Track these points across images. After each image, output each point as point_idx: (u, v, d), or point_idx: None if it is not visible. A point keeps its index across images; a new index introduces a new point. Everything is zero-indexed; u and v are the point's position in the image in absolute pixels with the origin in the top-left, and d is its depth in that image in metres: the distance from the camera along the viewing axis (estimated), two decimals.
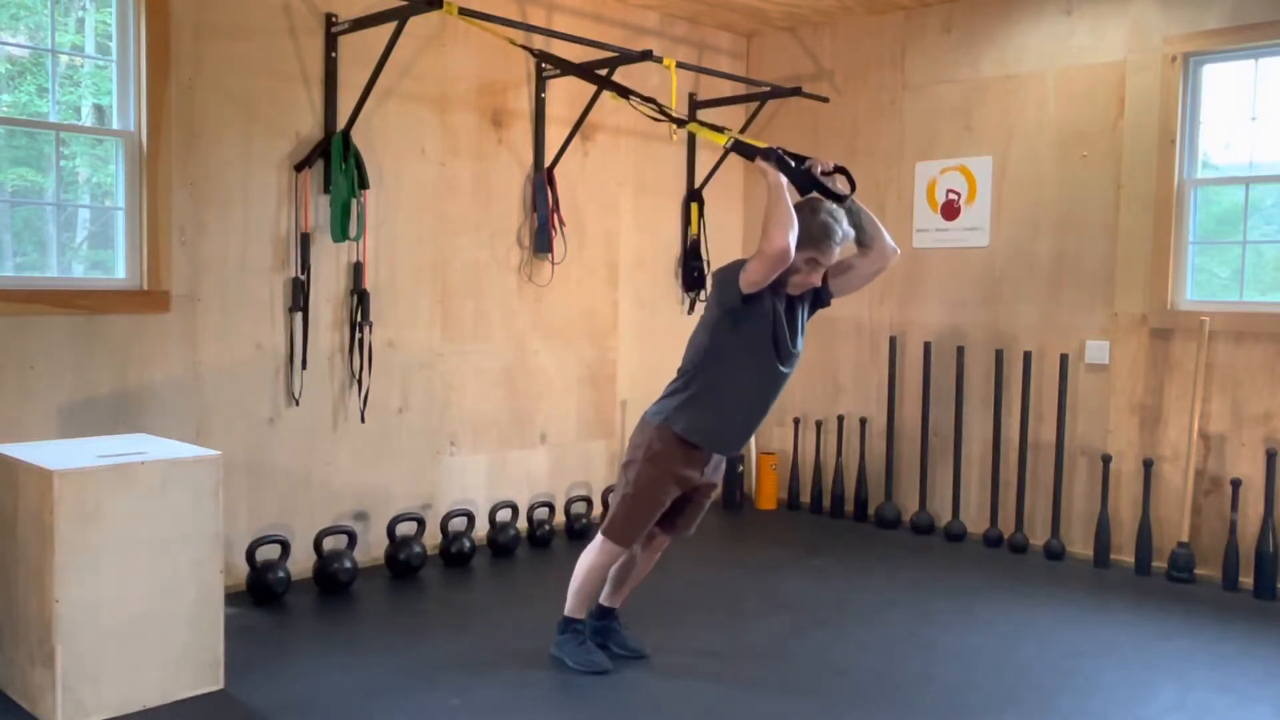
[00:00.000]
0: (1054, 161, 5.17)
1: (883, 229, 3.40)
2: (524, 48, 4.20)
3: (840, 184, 3.36)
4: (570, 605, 3.56)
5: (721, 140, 3.49)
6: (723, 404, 3.33)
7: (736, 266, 3.24)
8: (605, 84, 4.15)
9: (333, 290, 4.49)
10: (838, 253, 3.29)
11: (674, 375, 3.44)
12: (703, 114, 5.93)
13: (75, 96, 4.03)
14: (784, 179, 3.21)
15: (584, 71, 4.21)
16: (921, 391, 5.60)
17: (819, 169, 3.31)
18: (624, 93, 3.86)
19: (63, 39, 3.94)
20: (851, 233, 3.29)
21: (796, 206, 3.21)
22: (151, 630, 3.15)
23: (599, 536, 3.48)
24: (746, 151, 3.39)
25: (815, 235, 3.20)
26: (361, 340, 4.54)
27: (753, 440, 6.26)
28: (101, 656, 3.06)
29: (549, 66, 5.11)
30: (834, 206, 3.26)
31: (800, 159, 3.31)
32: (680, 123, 3.74)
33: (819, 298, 3.43)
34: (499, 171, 5.09)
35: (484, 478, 5.13)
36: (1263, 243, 4.72)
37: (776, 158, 3.24)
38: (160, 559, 3.16)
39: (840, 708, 3.28)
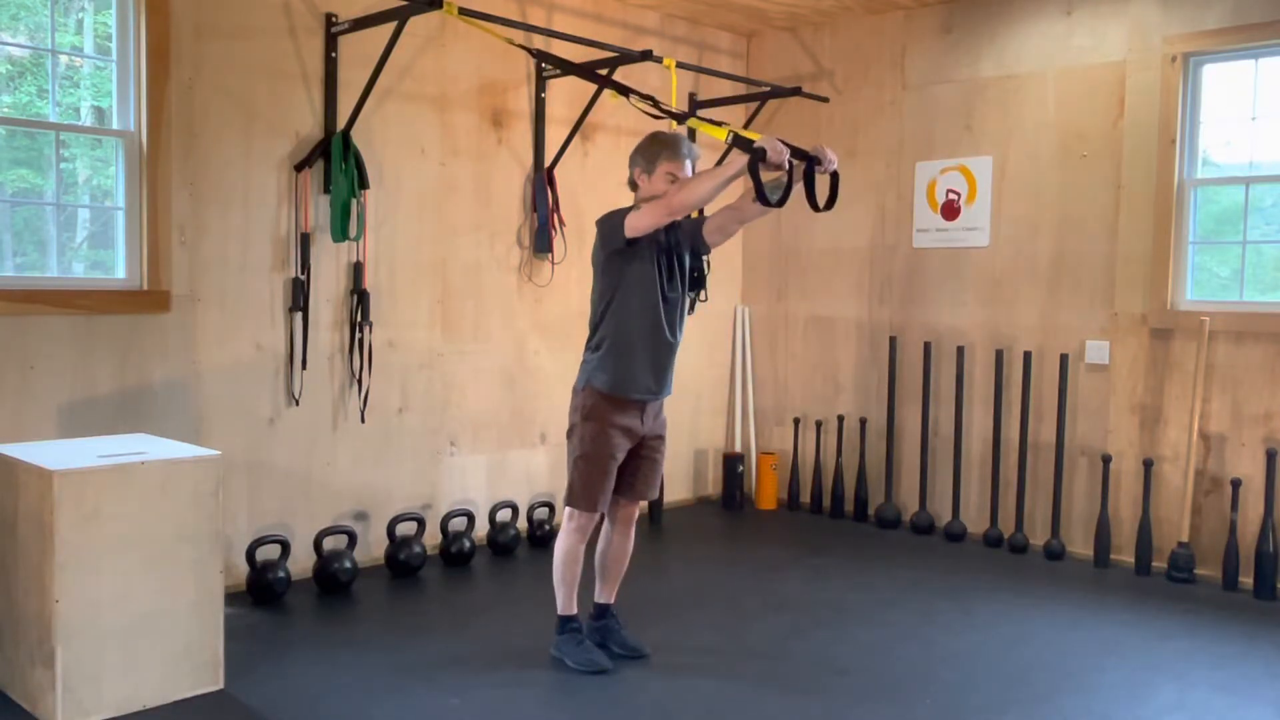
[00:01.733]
0: (1054, 161, 5.17)
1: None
2: (523, 47, 4.19)
3: (821, 187, 3.31)
4: (560, 601, 3.58)
5: (721, 135, 3.50)
6: (629, 348, 3.43)
7: (622, 212, 3.39)
8: (605, 82, 4.15)
9: (333, 290, 4.49)
10: (689, 167, 3.44)
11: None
12: (703, 113, 5.92)
13: (75, 97, 4.03)
14: (740, 170, 3.22)
15: (583, 70, 4.20)
16: (921, 391, 5.60)
17: (822, 167, 3.27)
18: (623, 91, 3.87)
19: (62, 40, 3.94)
20: (699, 153, 3.50)
21: (641, 143, 3.49)
22: (151, 630, 3.15)
23: (565, 514, 3.52)
24: (745, 145, 3.39)
25: (667, 153, 3.42)
26: (361, 340, 4.54)
27: (753, 440, 6.29)
28: (101, 656, 3.06)
29: (549, 66, 5.12)
30: (671, 132, 3.45)
31: (802, 152, 3.27)
32: (680, 118, 3.74)
33: (696, 245, 3.55)
34: (499, 171, 5.09)
35: (484, 478, 5.13)
36: (1263, 243, 4.72)
37: (753, 163, 3.19)
38: (160, 559, 3.16)
39: (840, 708, 3.28)
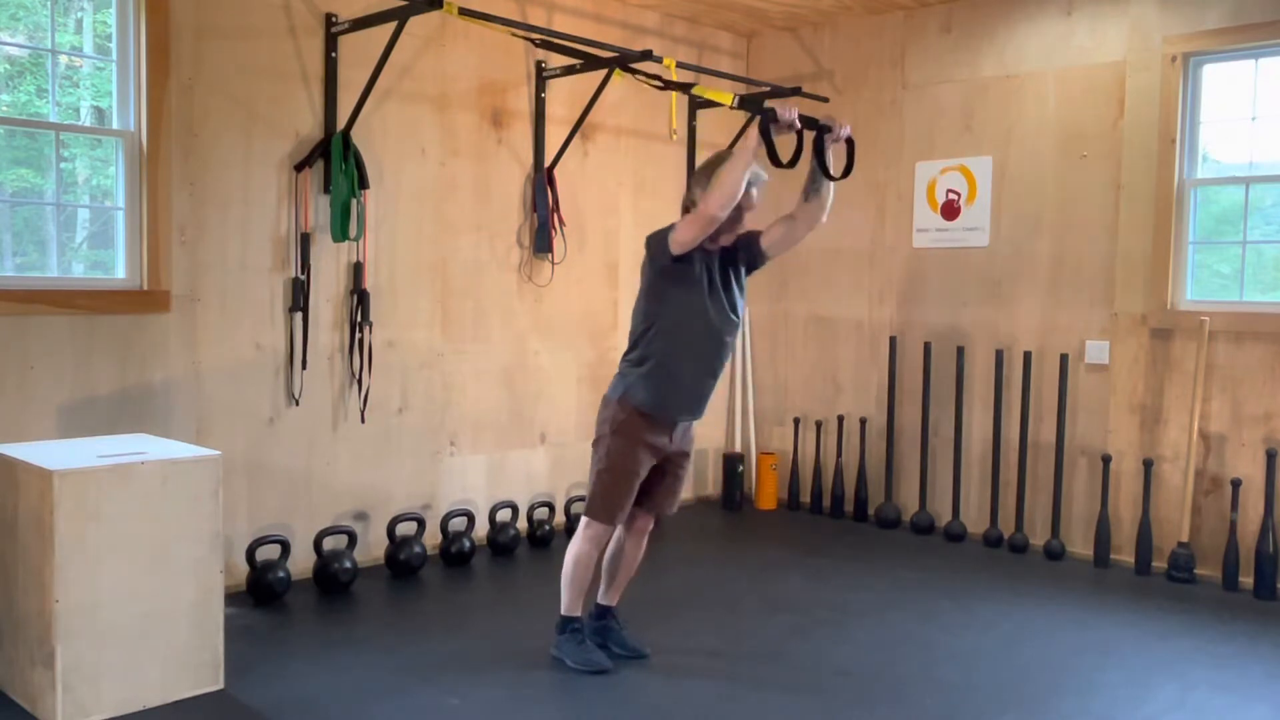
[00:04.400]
0: (1054, 161, 5.17)
1: (830, 199, 3.40)
2: (526, 39, 4.13)
3: (837, 156, 3.31)
4: (565, 602, 3.56)
5: (728, 99, 3.46)
6: (672, 370, 3.38)
7: (667, 230, 3.32)
8: (611, 63, 4.08)
9: (333, 290, 4.49)
10: (755, 195, 3.33)
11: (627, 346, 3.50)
12: (703, 114, 5.94)
13: (75, 97, 4.03)
14: (758, 141, 3.17)
15: (586, 55, 4.11)
16: (921, 391, 5.60)
17: (834, 135, 3.26)
18: (628, 69, 3.82)
19: (62, 39, 3.94)
20: (765, 176, 3.33)
21: (707, 161, 3.34)
22: (151, 630, 3.15)
23: (582, 521, 3.50)
24: (751, 107, 3.34)
25: None
26: (361, 340, 4.54)
27: (753, 440, 6.29)
28: (101, 656, 3.06)
29: (549, 66, 5.12)
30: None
31: (814, 121, 3.25)
32: (684, 88, 3.68)
33: (752, 259, 3.47)
34: (499, 171, 5.09)
35: (484, 478, 5.13)
36: (1263, 243, 4.72)
37: (766, 123, 3.16)
38: (160, 559, 3.16)
39: (840, 708, 3.28)
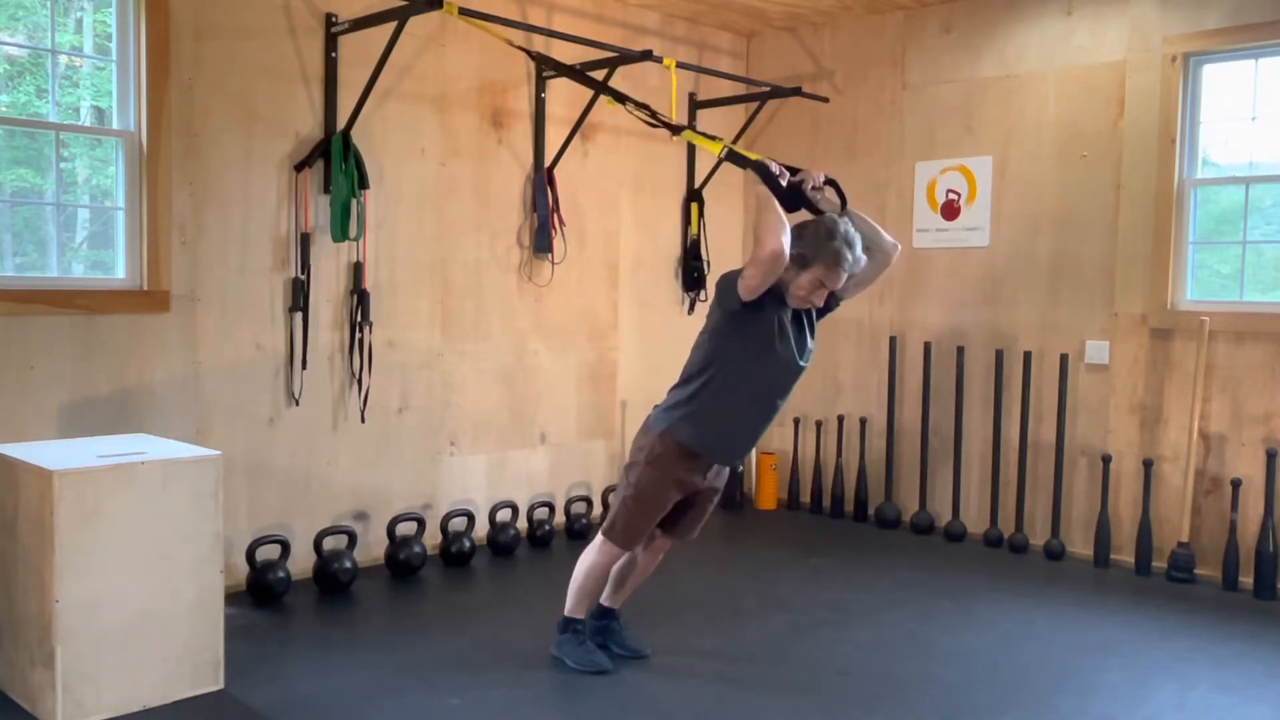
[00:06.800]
0: (1054, 161, 5.17)
1: (880, 230, 3.40)
2: (522, 49, 4.18)
3: (829, 197, 3.31)
4: (570, 605, 3.56)
5: (715, 149, 3.45)
6: (726, 414, 3.30)
7: (737, 273, 3.22)
8: (601, 89, 4.13)
9: (333, 290, 4.49)
10: (844, 279, 3.24)
11: (677, 379, 3.40)
12: (703, 114, 5.94)
13: (74, 97, 4.03)
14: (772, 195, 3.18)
15: (580, 75, 4.16)
16: (921, 391, 5.60)
17: (809, 184, 3.26)
18: (620, 98, 3.84)
19: (62, 39, 3.94)
20: (864, 260, 3.23)
21: (811, 226, 3.20)
22: (151, 630, 3.15)
23: (599, 537, 3.48)
24: (739, 161, 3.36)
25: (826, 260, 3.16)
26: (361, 340, 4.54)
27: None
28: (101, 656, 3.06)
29: (549, 68, 5.12)
30: (849, 230, 3.19)
31: (793, 170, 3.27)
32: (675, 130, 3.67)
33: (827, 303, 3.39)
34: (499, 171, 5.09)
35: (484, 478, 5.13)
36: (1263, 243, 4.72)
37: (765, 173, 3.19)
38: (160, 559, 3.16)
39: (840, 708, 3.28)
